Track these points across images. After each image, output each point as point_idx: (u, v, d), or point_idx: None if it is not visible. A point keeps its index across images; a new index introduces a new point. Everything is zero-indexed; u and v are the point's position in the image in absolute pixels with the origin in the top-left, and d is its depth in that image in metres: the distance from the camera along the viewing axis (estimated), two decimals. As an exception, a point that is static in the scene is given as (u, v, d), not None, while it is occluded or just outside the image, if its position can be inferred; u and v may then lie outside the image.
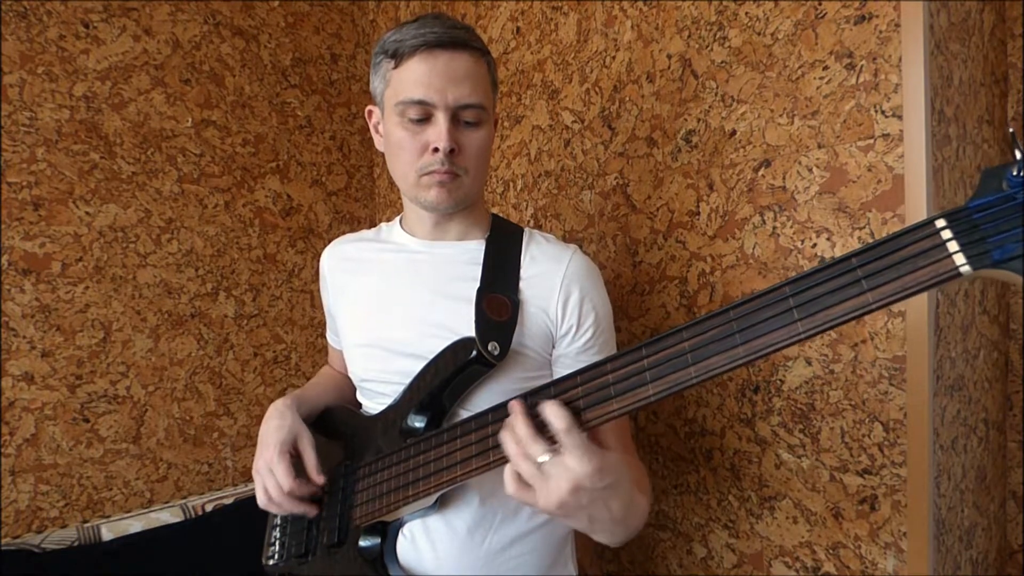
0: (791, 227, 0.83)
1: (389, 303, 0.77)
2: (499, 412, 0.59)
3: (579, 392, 0.53)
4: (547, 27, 1.21)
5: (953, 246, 0.37)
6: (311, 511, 0.74)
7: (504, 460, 0.57)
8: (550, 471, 0.50)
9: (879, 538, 0.77)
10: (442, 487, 0.63)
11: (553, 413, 0.51)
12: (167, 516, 1.30)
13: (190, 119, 1.44)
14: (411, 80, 0.68)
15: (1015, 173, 0.35)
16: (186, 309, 1.43)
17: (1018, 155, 0.35)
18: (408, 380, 0.72)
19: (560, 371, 0.73)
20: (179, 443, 1.42)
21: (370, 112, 0.79)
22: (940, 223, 0.38)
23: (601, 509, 0.53)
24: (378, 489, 0.70)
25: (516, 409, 0.54)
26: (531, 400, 0.55)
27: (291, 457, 0.73)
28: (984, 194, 0.37)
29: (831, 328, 0.42)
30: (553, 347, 0.74)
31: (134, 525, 1.25)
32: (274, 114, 1.59)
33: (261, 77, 1.57)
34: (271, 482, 0.71)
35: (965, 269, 0.37)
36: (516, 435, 0.53)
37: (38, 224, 1.25)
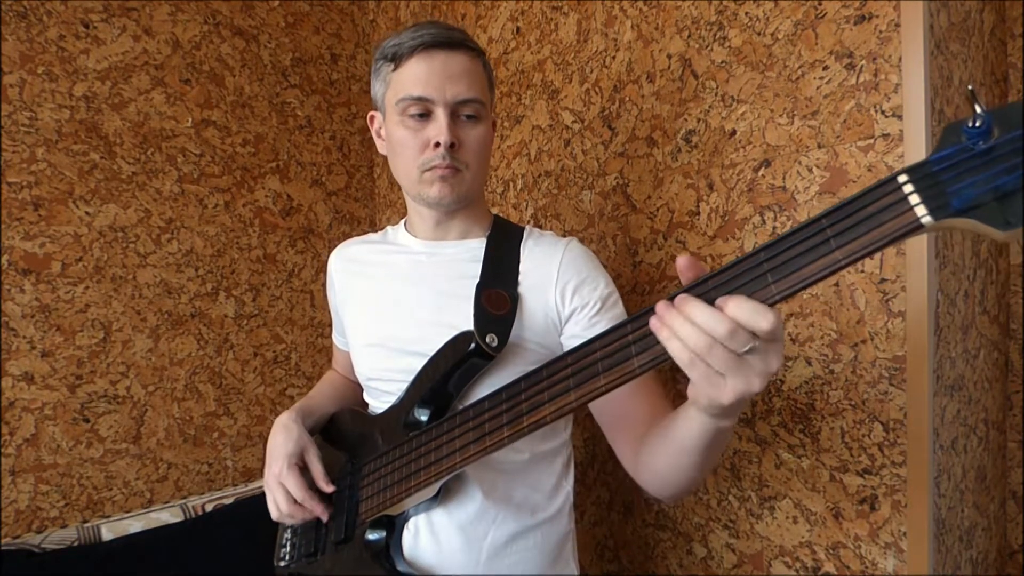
0: (791, 227, 0.83)
1: (393, 303, 0.79)
2: (495, 399, 0.60)
3: (569, 372, 0.54)
4: (547, 27, 1.21)
5: (915, 199, 0.38)
6: (323, 514, 0.76)
7: (500, 445, 0.58)
8: (755, 356, 0.43)
9: (879, 538, 0.77)
10: (442, 475, 0.63)
11: (755, 314, 0.42)
12: (167, 516, 1.30)
13: (190, 119, 1.44)
14: (410, 78, 0.70)
15: (971, 125, 0.36)
16: (186, 309, 1.43)
17: (977, 109, 0.36)
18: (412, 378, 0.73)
19: None
20: (179, 443, 1.42)
21: (372, 118, 0.81)
22: (902, 178, 0.39)
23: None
24: (382, 483, 0.71)
25: (693, 302, 0.45)
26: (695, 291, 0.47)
27: (299, 469, 0.75)
28: (943, 148, 0.38)
29: (804, 288, 0.42)
30: (560, 335, 0.75)
31: (134, 525, 1.25)
32: (274, 114, 1.59)
33: (261, 77, 1.56)
34: (281, 495, 0.74)
35: (927, 220, 0.38)
36: (713, 330, 0.43)
37: (38, 224, 1.25)
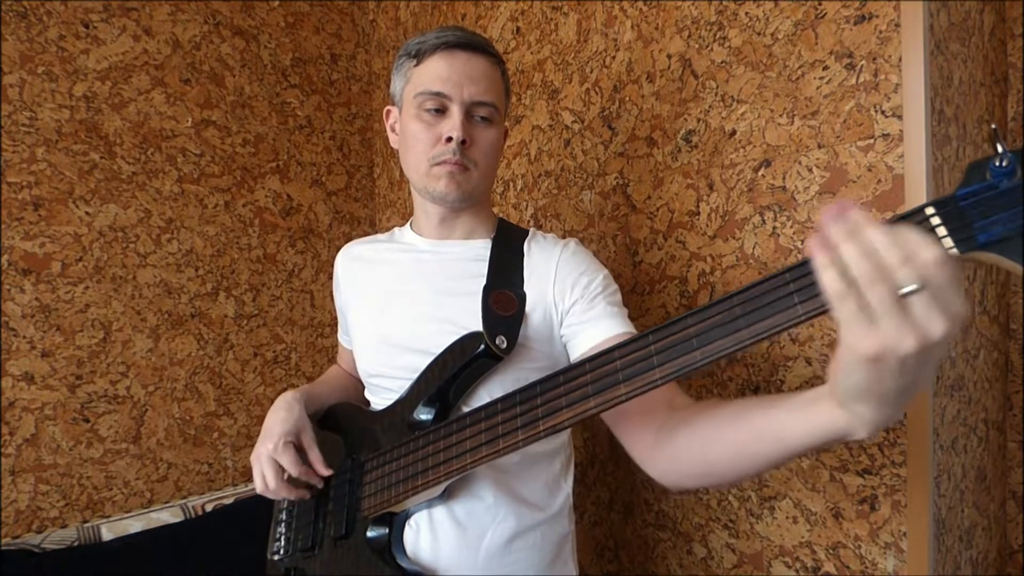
0: (791, 227, 0.83)
1: (397, 300, 0.80)
2: (508, 402, 0.60)
3: (588, 379, 0.54)
4: (547, 27, 1.21)
5: (942, 231, 0.40)
6: (305, 495, 0.77)
7: (514, 448, 0.57)
8: (918, 306, 0.36)
9: (879, 538, 0.77)
10: (452, 475, 0.63)
11: (918, 241, 0.37)
12: (167, 516, 1.30)
13: (190, 119, 1.44)
14: (431, 74, 0.73)
15: (997, 164, 0.38)
16: (186, 309, 1.43)
17: (999, 148, 0.38)
18: (414, 375, 0.74)
19: (578, 344, 0.72)
20: (179, 443, 1.42)
21: (388, 112, 0.83)
22: (929, 210, 0.40)
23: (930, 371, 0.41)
24: (386, 480, 0.71)
25: (864, 217, 0.38)
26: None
27: (294, 448, 0.76)
28: (969, 184, 0.40)
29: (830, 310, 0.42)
30: (561, 327, 0.74)
31: (134, 525, 1.25)
32: (274, 114, 1.59)
33: (261, 77, 1.56)
34: (271, 470, 0.74)
35: (953, 252, 0.39)
36: (875, 251, 0.37)
37: (38, 224, 1.25)
